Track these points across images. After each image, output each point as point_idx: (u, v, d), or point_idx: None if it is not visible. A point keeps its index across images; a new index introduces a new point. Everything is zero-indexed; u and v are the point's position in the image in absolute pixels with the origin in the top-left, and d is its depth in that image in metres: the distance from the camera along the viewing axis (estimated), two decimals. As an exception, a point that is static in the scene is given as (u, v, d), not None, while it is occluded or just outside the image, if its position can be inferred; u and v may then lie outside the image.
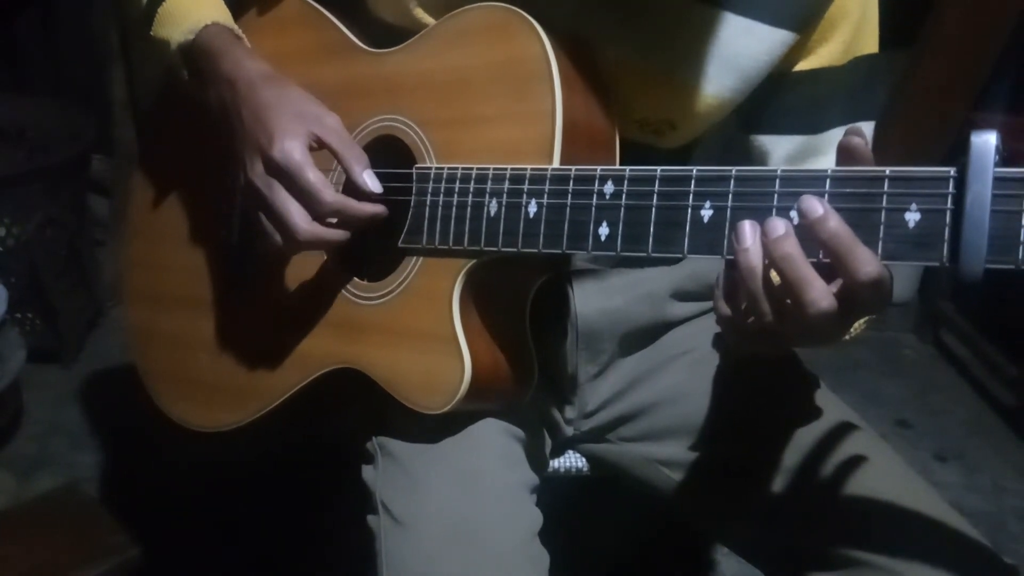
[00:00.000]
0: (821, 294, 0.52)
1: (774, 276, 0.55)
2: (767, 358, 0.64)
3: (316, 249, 0.76)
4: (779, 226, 0.53)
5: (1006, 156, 0.49)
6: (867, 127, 0.79)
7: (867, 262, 0.52)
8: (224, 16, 0.82)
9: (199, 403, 0.89)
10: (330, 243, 0.73)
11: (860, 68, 0.77)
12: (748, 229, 0.54)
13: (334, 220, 0.72)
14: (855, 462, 0.74)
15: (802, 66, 0.77)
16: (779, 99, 0.78)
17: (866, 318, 0.66)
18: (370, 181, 0.72)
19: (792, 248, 0.53)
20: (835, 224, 0.51)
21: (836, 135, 0.78)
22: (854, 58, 0.77)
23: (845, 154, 0.56)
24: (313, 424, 0.91)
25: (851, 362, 2.17)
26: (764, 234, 0.53)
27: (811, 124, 0.79)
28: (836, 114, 0.78)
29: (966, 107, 1.93)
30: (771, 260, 0.53)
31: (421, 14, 0.76)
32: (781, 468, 0.77)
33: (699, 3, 0.71)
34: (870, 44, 0.77)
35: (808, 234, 0.52)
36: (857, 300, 0.54)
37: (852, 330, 0.66)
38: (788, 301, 0.54)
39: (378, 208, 0.73)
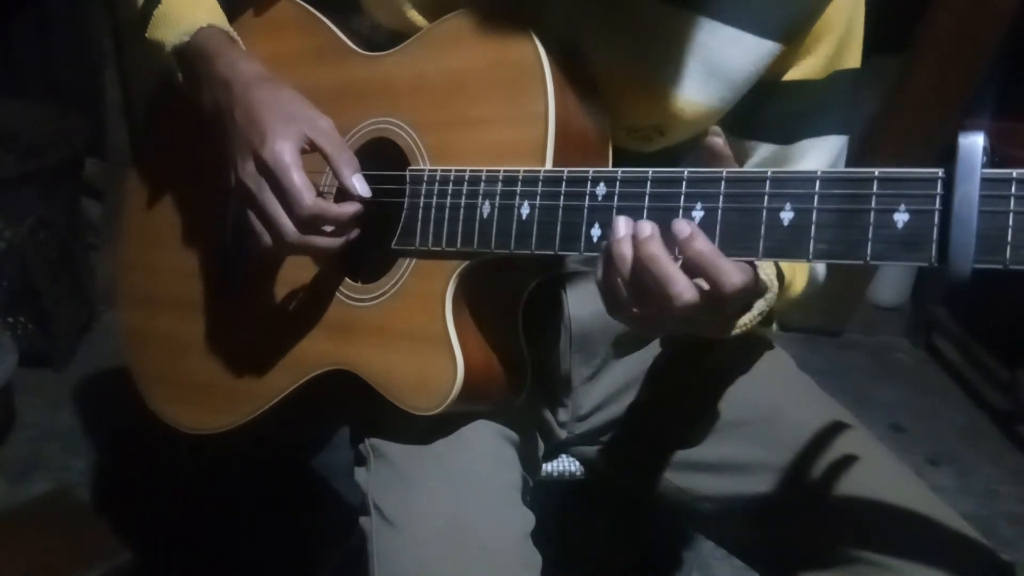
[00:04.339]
0: (684, 287, 0.56)
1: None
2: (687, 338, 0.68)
3: (304, 254, 0.76)
4: (646, 228, 0.57)
5: (997, 161, 0.50)
6: (838, 140, 0.80)
7: (731, 274, 0.56)
8: (219, 19, 0.82)
9: (192, 405, 0.89)
10: (318, 249, 0.73)
11: (838, 82, 0.77)
12: (622, 223, 0.59)
13: (326, 227, 0.72)
14: (849, 461, 0.74)
15: (784, 76, 0.77)
16: (758, 107, 0.78)
17: (758, 313, 0.69)
18: (359, 185, 0.72)
19: (657, 249, 0.57)
20: (700, 244, 0.56)
21: (805, 147, 0.79)
22: (833, 72, 0.77)
23: (708, 153, 0.60)
24: (306, 426, 0.91)
25: (844, 366, 2.18)
26: (634, 235, 0.58)
27: (783, 134, 0.79)
28: (807, 126, 0.79)
29: (958, 113, 1.94)
30: (639, 258, 0.57)
31: (415, 16, 0.77)
32: (776, 467, 0.77)
33: (688, 12, 0.72)
34: (852, 59, 0.78)
35: (680, 250, 0.56)
36: (726, 301, 0.57)
37: (742, 325, 0.69)
38: (653, 292, 0.57)
39: (357, 208, 0.73)
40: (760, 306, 0.69)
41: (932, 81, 1.93)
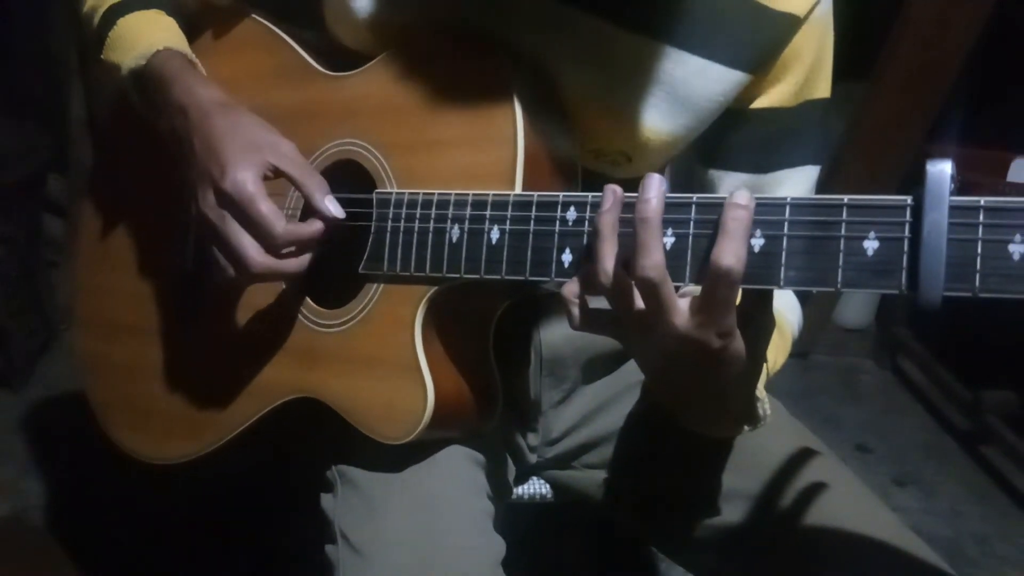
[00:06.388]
0: (655, 262, 0.54)
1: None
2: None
3: (271, 281, 0.74)
4: (654, 184, 0.55)
5: (959, 186, 0.50)
6: (812, 171, 0.80)
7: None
8: (177, 40, 0.80)
9: (151, 435, 0.86)
10: (285, 274, 0.72)
11: (809, 112, 0.78)
12: (612, 191, 0.57)
13: (290, 249, 0.71)
14: (816, 488, 0.74)
15: (754, 104, 0.77)
16: (729, 135, 0.78)
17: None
18: (332, 207, 0.71)
19: (653, 214, 0.54)
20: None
21: (781, 176, 0.79)
22: (804, 101, 0.77)
23: None
24: (270, 452, 0.89)
25: (811, 387, 2.20)
26: (641, 189, 0.55)
27: (757, 164, 0.79)
28: (782, 156, 0.79)
29: (920, 139, 1.98)
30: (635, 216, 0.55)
31: (373, 43, 0.75)
32: (744, 495, 0.77)
33: (654, 41, 0.72)
34: (822, 89, 0.78)
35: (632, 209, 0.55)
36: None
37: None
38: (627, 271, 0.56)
39: (324, 224, 0.72)
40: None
41: (895, 108, 1.96)
